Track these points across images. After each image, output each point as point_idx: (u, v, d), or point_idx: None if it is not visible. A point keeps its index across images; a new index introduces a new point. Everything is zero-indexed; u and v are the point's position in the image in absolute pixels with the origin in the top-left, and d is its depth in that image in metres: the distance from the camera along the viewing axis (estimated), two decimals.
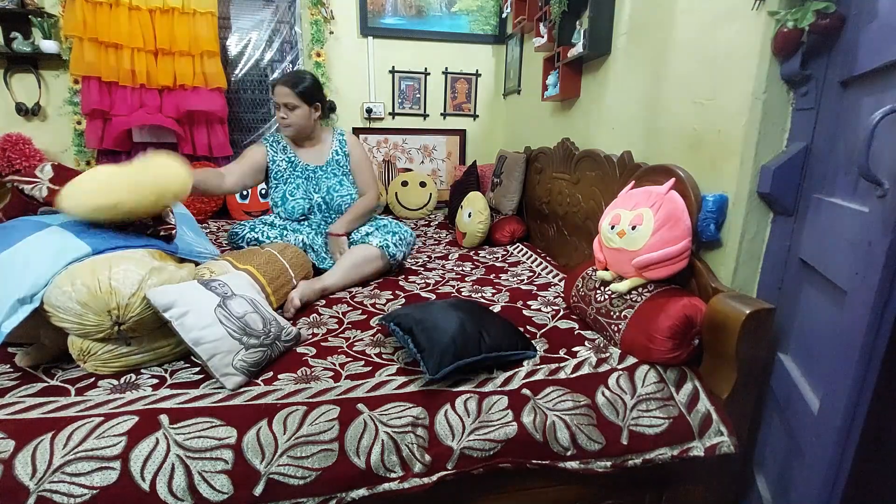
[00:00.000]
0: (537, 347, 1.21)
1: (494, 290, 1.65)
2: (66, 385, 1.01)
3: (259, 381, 1.05)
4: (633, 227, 1.19)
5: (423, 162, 3.26)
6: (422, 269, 1.94)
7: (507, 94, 3.09)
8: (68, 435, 0.86)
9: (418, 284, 1.74)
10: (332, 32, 2.91)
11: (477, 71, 3.18)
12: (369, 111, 3.06)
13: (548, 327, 1.34)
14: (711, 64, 1.19)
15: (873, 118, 0.71)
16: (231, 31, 2.87)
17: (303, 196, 1.91)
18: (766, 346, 1.03)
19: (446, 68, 3.14)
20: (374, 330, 1.33)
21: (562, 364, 1.14)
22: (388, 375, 1.09)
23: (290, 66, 2.97)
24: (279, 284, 1.46)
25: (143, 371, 1.07)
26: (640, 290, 1.20)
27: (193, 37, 2.59)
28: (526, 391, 1.06)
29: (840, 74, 0.94)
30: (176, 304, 1.02)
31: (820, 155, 1.00)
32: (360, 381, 1.06)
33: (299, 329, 1.26)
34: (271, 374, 1.08)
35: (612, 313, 1.23)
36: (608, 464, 1.02)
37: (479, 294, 1.62)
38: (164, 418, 0.91)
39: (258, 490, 0.87)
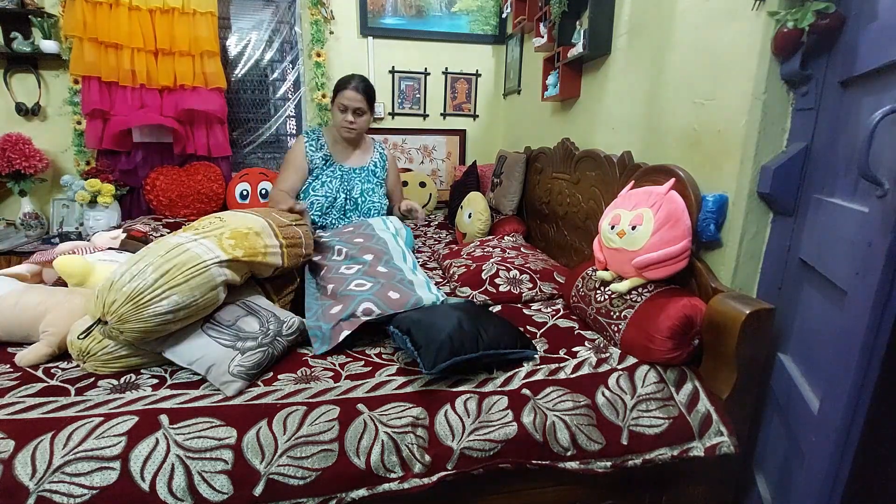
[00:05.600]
0: (537, 347, 1.21)
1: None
2: (66, 385, 1.01)
3: (259, 382, 1.05)
4: (633, 228, 1.19)
5: (422, 162, 3.26)
6: (422, 268, 1.94)
7: (507, 94, 3.08)
8: (68, 435, 0.86)
9: None
10: (332, 32, 2.91)
11: (477, 71, 3.18)
12: None
13: (548, 327, 1.34)
14: (711, 64, 1.19)
15: (873, 118, 0.71)
16: (231, 31, 2.87)
17: (325, 194, 1.92)
18: (766, 347, 1.03)
19: (446, 68, 3.14)
20: (375, 330, 1.33)
21: (562, 364, 1.14)
22: (388, 375, 1.09)
23: (291, 66, 2.97)
24: (287, 234, 1.35)
25: (143, 371, 1.07)
26: (640, 290, 1.20)
27: (193, 37, 2.59)
28: (526, 391, 1.05)
29: (840, 74, 0.94)
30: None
31: (820, 155, 1.00)
32: (360, 382, 1.06)
33: (302, 320, 1.25)
34: (271, 374, 1.08)
35: (612, 313, 1.23)
36: (608, 464, 1.02)
37: None
38: (163, 418, 0.91)
39: (258, 490, 0.87)
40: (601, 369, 1.12)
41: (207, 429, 0.91)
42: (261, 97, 3.02)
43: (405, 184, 3.04)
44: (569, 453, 1.01)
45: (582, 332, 1.30)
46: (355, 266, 1.45)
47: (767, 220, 1.10)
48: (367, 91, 1.91)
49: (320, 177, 1.96)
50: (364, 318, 1.21)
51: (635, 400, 1.06)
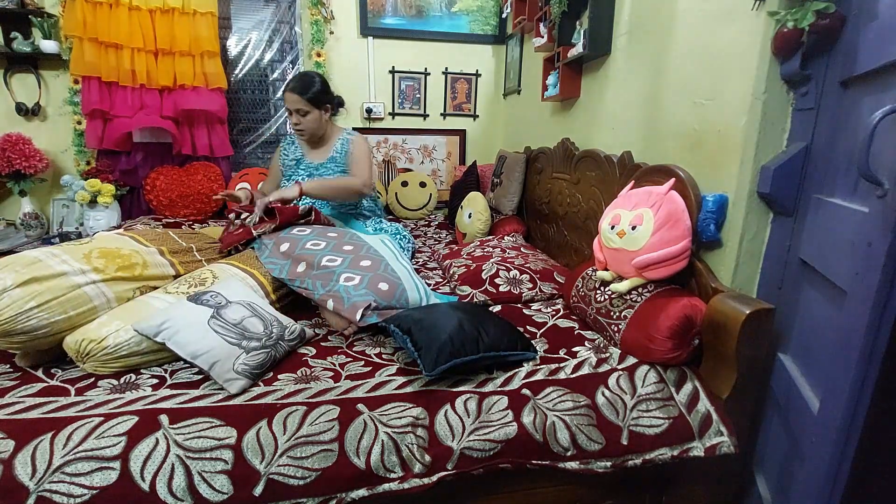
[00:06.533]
0: (537, 347, 1.21)
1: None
2: (66, 385, 1.01)
3: (259, 382, 1.05)
4: (633, 228, 1.19)
5: (423, 162, 3.26)
6: (422, 268, 1.94)
7: (507, 94, 3.08)
8: (68, 435, 0.87)
9: None
10: (332, 32, 2.91)
11: (477, 71, 3.18)
12: (369, 111, 3.06)
13: (548, 327, 1.34)
14: (711, 64, 1.19)
15: (873, 118, 0.71)
16: (231, 31, 2.87)
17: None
18: (765, 346, 1.03)
19: (446, 68, 3.14)
20: (374, 330, 1.33)
21: (562, 364, 1.14)
22: (388, 375, 1.09)
23: (291, 66, 2.97)
24: (285, 293, 1.46)
25: (143, 371, 1.07)
26: (640, 290, 1.20)
27: (194, 37, 2.59)
28: (526, 391, 1.05)
29: (840, 74, 0.94)
30: (165, 326, 1.04)
31: (820, 155, 1.00)
32: (360, 382, 1.06)
33: (303, 327, 1.26)
34: (271, 374, 1.08)
35: (612, 313, 1.23)
36: (608, 464, 1.02)
37: None
38: (163, 418, 0.91)
39: (258, 490, 0.87)
40: (601, 369, 1.12)
41: (207, 429, 0.91)
42: (261, 97, 3.02)
43: (405, 184, 3.04)
44: (569, 453, 1.01)
45: (582, 332, 1.30)
46: (338, 258, 1.41)
47: (767, 220, 1.10)
48: (305, 89, 1.84)
49: (293, 177, 2.01)
50: (368, 322, 1.22)
51: (635, 400, 1.06)
